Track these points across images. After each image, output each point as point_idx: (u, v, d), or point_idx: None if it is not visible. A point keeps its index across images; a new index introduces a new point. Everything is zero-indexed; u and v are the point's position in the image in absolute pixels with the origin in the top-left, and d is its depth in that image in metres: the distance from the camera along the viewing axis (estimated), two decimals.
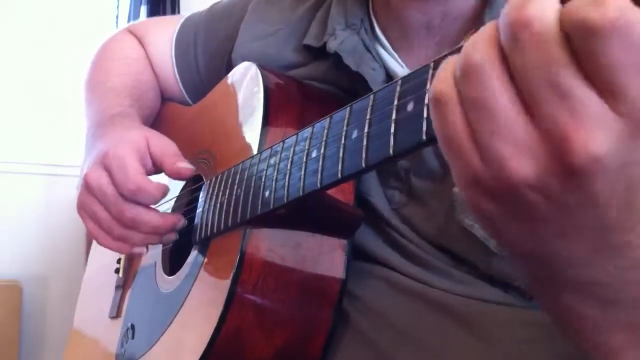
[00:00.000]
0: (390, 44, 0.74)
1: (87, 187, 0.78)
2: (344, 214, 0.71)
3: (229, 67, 0.91)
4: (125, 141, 0.80)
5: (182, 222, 0.80)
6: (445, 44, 0.70)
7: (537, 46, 0.30)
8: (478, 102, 0.32)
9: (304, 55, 0.81)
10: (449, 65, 0.34)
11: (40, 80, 2.73)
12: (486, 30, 0.33)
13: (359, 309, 0.71)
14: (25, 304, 2.48)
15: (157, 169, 0.81)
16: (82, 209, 0.81)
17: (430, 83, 0.39)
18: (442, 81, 0.34)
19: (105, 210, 0.78)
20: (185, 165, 0.78)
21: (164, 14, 2.83)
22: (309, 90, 0.79)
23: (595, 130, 0.30)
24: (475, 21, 0.68)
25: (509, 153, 0.32)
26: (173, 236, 0.80)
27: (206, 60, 0.98)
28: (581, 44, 0.29)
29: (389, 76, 0.73)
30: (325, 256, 0.70)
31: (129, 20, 2.82)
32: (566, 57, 0.30)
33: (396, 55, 0.73)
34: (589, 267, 0.35)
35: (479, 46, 0.32)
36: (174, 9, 2.87)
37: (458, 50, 0.35)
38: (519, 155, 0.31)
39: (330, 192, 0.68)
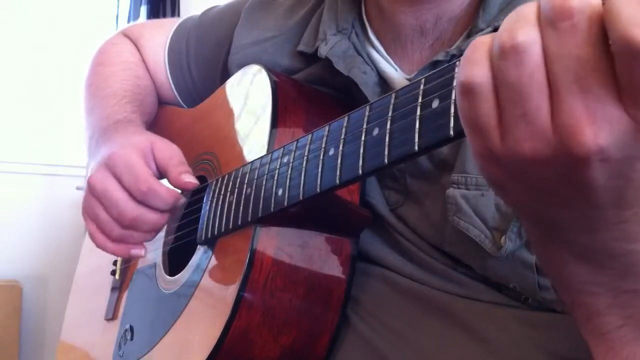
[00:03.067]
0: (384, 47, 0.74)
1: (91, 190, 0.79)
2: (352, 214, 0.71)
3: (225, 72, 0.91)
4: (129, 145, 0.80)
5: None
6: (438, 45, 0.70)
7: (573, 38, 0.32)
8: (515, 86, 0.34)
9: (299, 61, 0.82)
10: (482, 47, 0.36)
11: (40, 80, 2.73)
12: (525, 12, 0.34)
13: (357, 311, 0.72)
14: (25, 304, 2.48)
15: (160, 174, 0.81)
16: (85, 211, 0.81)
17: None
18: (472, 66, 0.36)
19: (106, 211, 0.78)
20: (190, 180, 0.78)
21: (164, 14, 2.83)
22: (312, 92, 0.79)
23: (605, 126, 0.32)
24: (468, 23, 0.68)
25: (528, 135, 0.34)
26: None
27: (198, 66, 0.98)
28: (620, 55, 0.31)
29: (382, 79, 0.73)
30: (332, 255, 0.70)
31: (129, 21, 2.82)
32: (597, 56, 0.31)
33: (389, 58, 0.73)
34: (586, 234, 0.38)
35: (524, 27, 0.33)
36: (174, 9, 2.87)
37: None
38: (535, 139, 0.34)
39: (337, 192, 0.69)
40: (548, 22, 0.32)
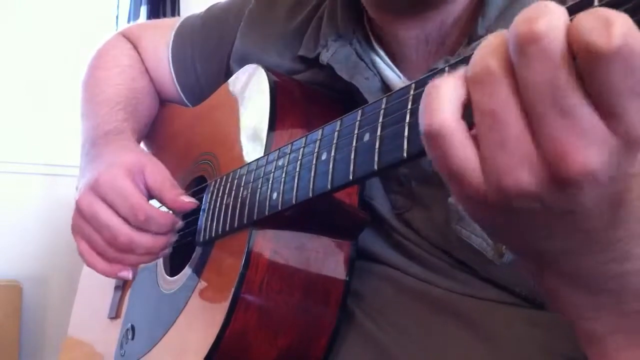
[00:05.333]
0: (387, 54, 0.73)
1: (79, 212, 0.79)
2: (349, 216, 0.71)
3: (228, 71, 0.91)
4: (117, 164, 0.80)
5: (174, 238, 0.80)
6: (443, 52, 0.69)
7: (544, 62, 0.31)
8: (490, 113, 0.33)
9: (300, 64, 0.81)
10: (443, 93, 0.35)
11: (40, 80, 2.73)
12: (492, 41, 0.34)
13: (362, 307, 0.72)
14: (25, 304, 2.47)
15: (150, 196, 0.81)
16: (75, 230, 0.81)
17: None
18: (437, 113, 0.35)
19: (98, 234, 0.78)
20: (190, 200, 0.78)
21: (164, 14, 2.83)
22: (313, 92, 0.79)
23: (591, 147, 0.31)
24: (469, 29, 0.67)
25: (511, 166, 0.33)
26: (166, 251, 0.81)
27: (204, 64, 0.98)
28: (586, 66, 0.30)
29: (385, 84, 0.73)
30: (330, 258, 0.70)
31: (129, 21, 2.82)
32: (570, 76, 0.31)
33: (393, 66, 0.73)
34: (576, 259, 0.38)
35: (489, 56, 0.33)
36: (174, 9, 2.87)
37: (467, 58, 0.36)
38: (520, 169, 0.33)
39: (336, 194, 0.69)
40: (517, 48, 0.32)
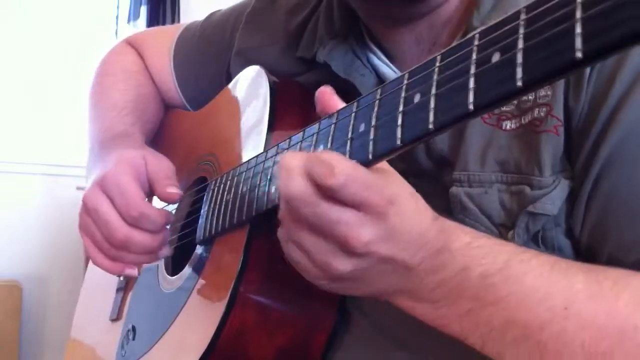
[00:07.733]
0: (383, 52, 0.74)
1: (84, 208, 0.79)
2: None
3: (228, 75, 0.91)
4: (123, 161, 0.80)
5: (168, 234, 0.80)
6: (436, 50, 0.70)
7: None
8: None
9: (299, 66, 0.82)
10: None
11: (40, 80, 2.74)
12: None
13: (360, 308, 0.71)
14: (25, 304, 2.48)
15: (150, 187, 0.81)
16: (81, 228, 0.82)
17: (437, 75, 0.41)
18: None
19: (98, 230, 0.78)
20: (173, 191, 0.78)
21: (164, 14, 2.84)
22: (311, 93, 0.79)
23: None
24: (462, 25, 0.68)
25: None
26: (166, 251, 0.80)
27: (205, 70, 0.98)
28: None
29: (381, 80, 0.73)
30: None
31: (129, 21, 2.83)
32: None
33: (388, 62, 0.73)
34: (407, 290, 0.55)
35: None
36: (174, 9, 2.88)
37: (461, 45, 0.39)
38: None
39: None
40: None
